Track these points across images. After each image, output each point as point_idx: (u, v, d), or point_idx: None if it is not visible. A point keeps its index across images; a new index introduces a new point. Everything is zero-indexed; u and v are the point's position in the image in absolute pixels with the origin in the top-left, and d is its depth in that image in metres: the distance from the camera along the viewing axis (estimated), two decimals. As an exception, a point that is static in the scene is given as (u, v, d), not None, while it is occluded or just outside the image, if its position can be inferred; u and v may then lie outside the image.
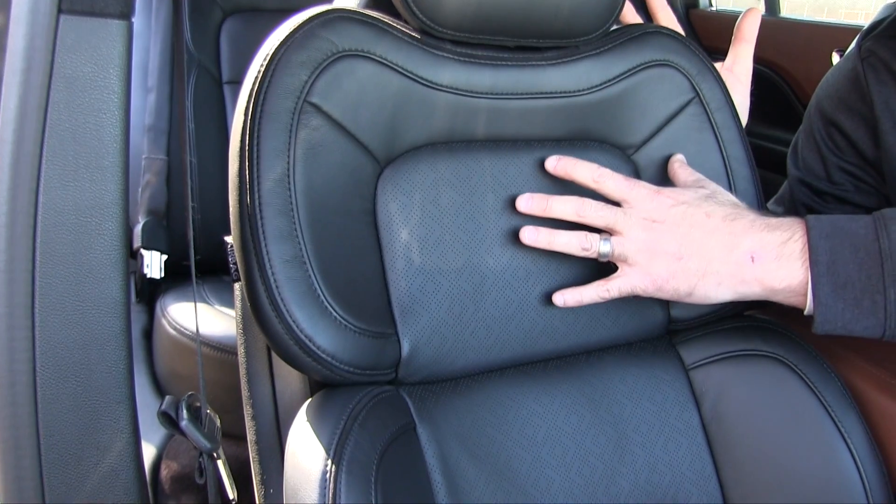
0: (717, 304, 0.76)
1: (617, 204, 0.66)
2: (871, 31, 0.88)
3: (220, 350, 1.18)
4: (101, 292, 0.55)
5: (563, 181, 0.72)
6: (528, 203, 0.66)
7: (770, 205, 0.98)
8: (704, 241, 0.62)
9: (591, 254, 0.65)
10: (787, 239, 0.62)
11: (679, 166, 0.72)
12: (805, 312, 0.63)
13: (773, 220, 0.63)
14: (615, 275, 0.66)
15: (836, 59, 1.70)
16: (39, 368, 0.53)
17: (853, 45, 0.91)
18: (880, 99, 0.84)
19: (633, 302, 0.73)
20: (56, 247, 0.53)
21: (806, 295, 0.62)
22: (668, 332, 0.77)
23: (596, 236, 0.65)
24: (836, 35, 1.77)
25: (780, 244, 0.62)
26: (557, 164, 0.67)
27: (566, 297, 0.67)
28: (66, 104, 0.51)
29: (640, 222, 0.63)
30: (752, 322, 0.77)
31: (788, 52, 1.87)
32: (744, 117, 0.86)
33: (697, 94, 0.76)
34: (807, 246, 0.61)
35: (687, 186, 0.68)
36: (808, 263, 0.61)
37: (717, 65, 0.85)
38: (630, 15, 0.86)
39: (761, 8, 2.03)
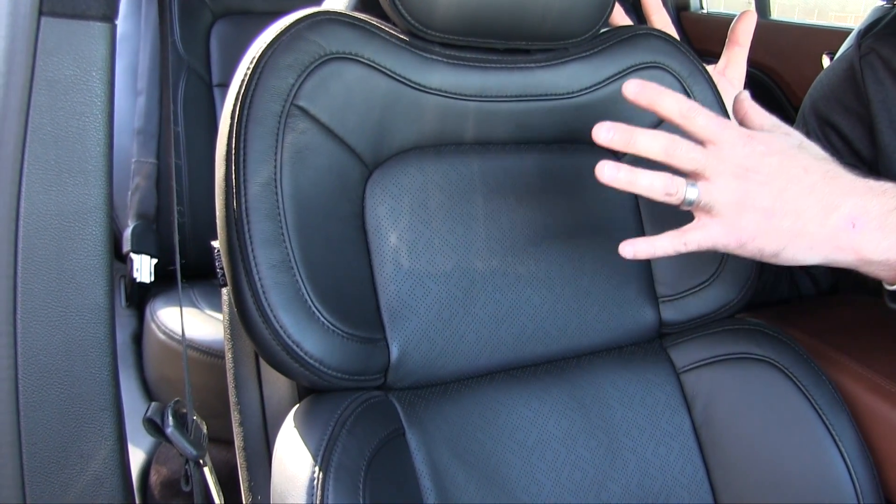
0: (708, 308, 0.76)
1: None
2: (870, 29, 0.88)
3: (210, 354, 1.17)
4: (85, 298, 0.54)
5: (554, 186, 0.71)
6: (609, 134, 0.56)
7: None
8: (801, 199, 0.56)
9: (675, 200, 0.57)
10: (894, 208, 0.56)
11: (749, 106, 0.62)
12: (891, 287, 0.58)
13: (876, 184, 0.58)
14: (692, 226, 0.58)
15: (826, 61, 1.71)
16: (21, 375, 0.53)
17: (850, 44, 0.91)
18: (877, 97, 0.85)
19: (624, 305, 0.73)
20: (38, 252, 0.52)
21: None
22: (659, 335, 0.77)
23: (682, 181, 0.56)
24: (826, 38, 1.78)
25: (885, 212, 0.56)
26: (640, 90, 0.57)
27: (637, 249, 0.58)
28: (48, 107, 0.50)
29: (733, 169, 0.56)
30: (742, 325, 0.77)
31: (779, 55, 1.87)
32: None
33: (689, 96, 0.76)
34: None
35: (765, 130, 0.60)
36: None
37: (710, 67, 0.85)
38: (619, 17, 0.86)
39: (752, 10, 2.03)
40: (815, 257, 0.58)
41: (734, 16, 0.91)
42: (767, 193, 0.56)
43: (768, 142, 0.58)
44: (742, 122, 0.62)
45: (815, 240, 0.57)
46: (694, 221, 0.58)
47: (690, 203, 0.57)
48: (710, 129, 0.57)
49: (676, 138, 0.56)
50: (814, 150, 0.60)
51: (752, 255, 0.58)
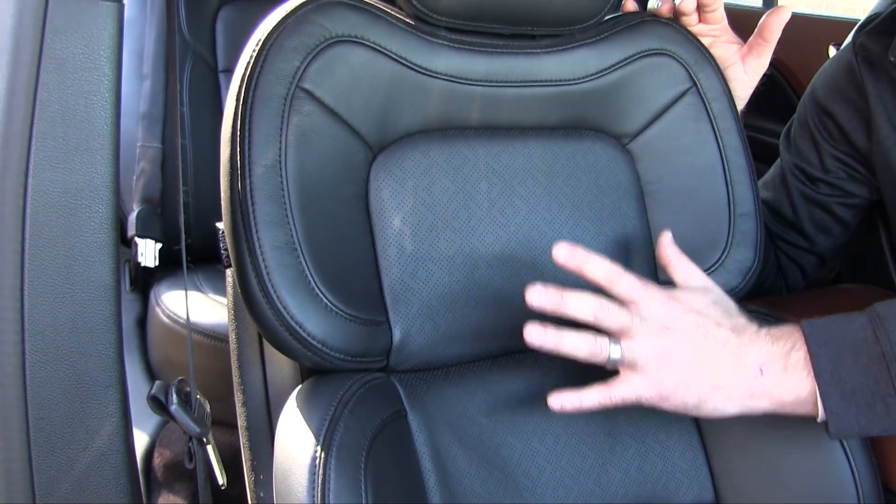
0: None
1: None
2: (866, 26, 0.88)
3: (214, 338, 1.18)
4: (91, 275, 0.54)
5: (558, 172, 0.71)
6: (541, 297, 0.59)
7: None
8: (716, 353, 0.60)
9: (600, 359, 0.60)
10: (791, 348, 0.60)
11: (673, 254, 0.67)
12: (818, 420, 0.61)
13: (774, 330, 0.62)
14: (617, 380, 0.61)
15: (832, 52, 1.70)
16: (28, 351, 0.53)
17: (849, 38, 0.92)
18: (875, 93, 0.85)
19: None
20: (45, 229, 0.52)
21: (816, 404, 0.60)
22: (661, 322, 0.77)
23: (606, 340, 0.60)
24: (833, 28, 1.77)
25: (784, 354, 0.60)
26: (570, 256, 0.60)
27: (564, 403, 0.61)
28: (56, 85, 0.51)
29: (655, 328, 0.60)
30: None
31: (785, 45, 1.86)
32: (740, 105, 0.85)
33: (695, 83, 0.76)
34: (808, 354, 0.60)
35: (688, 287, 0.65)
36: (812, 373, 0.59)
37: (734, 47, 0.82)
38: (629, 2, 0.85)
39: (758, 1, 2.02)
40: (734, 407, 0.61)
41: (741, 7, 0.90)
42: (687, 349, 0.60)
43: (686, 300, 0.62)
44: (666, 269, 0.67)
45: (732, 390, 0.60)
46: (619, 375, 0.61)
47: (614, 362, 0.60)
48: (633, 291, 0.61)
49: (604, 302, 0.60)
50: (728, 304, 0.64)
51: (676, 409, 0.61)
